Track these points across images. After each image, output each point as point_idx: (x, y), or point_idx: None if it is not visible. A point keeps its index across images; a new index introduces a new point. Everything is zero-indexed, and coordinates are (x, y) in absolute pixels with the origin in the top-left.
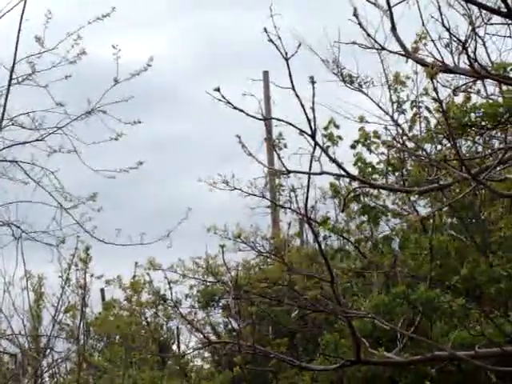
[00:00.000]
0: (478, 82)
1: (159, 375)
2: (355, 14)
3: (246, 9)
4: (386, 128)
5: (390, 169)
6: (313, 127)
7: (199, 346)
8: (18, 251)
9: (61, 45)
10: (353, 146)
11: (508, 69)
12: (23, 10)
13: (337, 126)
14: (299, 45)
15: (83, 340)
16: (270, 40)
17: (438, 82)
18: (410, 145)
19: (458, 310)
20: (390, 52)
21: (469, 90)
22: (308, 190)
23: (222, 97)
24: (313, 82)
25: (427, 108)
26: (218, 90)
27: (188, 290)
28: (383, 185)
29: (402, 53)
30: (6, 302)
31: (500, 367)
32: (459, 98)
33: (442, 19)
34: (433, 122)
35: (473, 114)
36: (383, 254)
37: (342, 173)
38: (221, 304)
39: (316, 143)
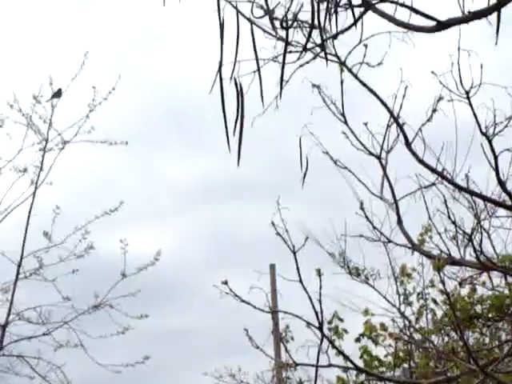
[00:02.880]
0: (484, 273)
1: None
2: (362, 208)
3: (250, 201)
4: (393, 320)
5: (397, 361)
6: (320, 319)
7: None
8: None
9: (68, 239)
10: (357, 340)
11: None
12: (31, 206)
13: (340, 320)
14: (306, 238)
15: None
16: (278, 233)
17: (444, 273)
18: (417, 336)
19: None
20: (397, 244)
21: (474, 281)
22: (316, 383)
23: (230, 290)
24: (319, 275)
25: (434, 300)
26: (225, 283)
27: None
28: (391, 377)
29: (409, 245)
30: None
31: None
32: (465, 290)
33: (448, 212)
34: (439, 313)
35: (479, 306)
36: None
37: (350, 365)
38: None
39: (323, 335)
